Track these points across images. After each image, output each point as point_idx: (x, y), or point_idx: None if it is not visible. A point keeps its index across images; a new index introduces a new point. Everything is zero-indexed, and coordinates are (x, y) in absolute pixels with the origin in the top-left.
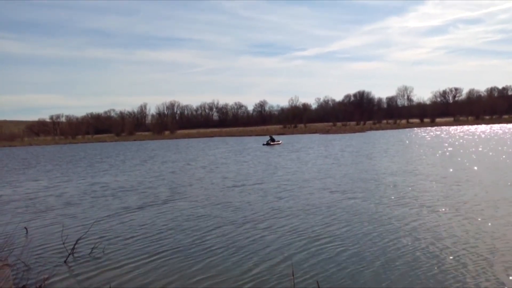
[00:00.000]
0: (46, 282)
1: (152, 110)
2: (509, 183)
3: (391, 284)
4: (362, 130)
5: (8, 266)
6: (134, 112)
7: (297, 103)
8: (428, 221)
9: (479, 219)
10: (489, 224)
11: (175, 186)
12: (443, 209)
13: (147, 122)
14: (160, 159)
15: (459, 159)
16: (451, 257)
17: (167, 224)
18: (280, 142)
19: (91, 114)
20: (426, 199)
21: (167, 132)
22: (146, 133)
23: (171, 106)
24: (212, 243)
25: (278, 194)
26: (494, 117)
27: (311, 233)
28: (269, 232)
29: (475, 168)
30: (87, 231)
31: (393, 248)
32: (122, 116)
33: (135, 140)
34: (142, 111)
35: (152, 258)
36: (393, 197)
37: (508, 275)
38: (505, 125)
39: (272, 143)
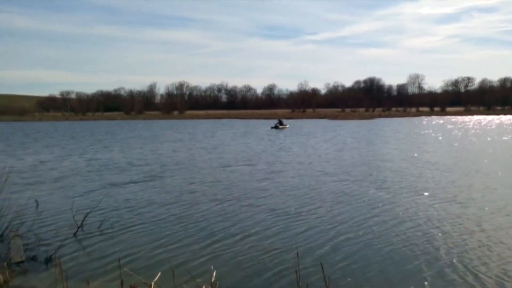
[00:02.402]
0: (56, 254)
1: (161, 90)
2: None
3: (399, 275)
4: (371, 117)
5: (19, 237)
6: (143, 91)
7: (306, 88)
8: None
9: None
10: (485, 214)
11: (181, 163)
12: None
13: (156, 101)
14: (171, 138)
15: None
16: (426, 239)
17: (173, 199)
18: (287, 126)
19: (101, 91)
20: (423, 186)
21: (176, 112)
22: (155, 112)
23: (180, 86)
24: (215, 221)
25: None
26: (506, 107)
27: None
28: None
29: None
30: (96, 206)
31: (395, 236)
32: (132, 95)
33: (144, 119)
34: (151, 91)
35: (159, 234)
36: (395, 184)
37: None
38: None
39: (280, 126)
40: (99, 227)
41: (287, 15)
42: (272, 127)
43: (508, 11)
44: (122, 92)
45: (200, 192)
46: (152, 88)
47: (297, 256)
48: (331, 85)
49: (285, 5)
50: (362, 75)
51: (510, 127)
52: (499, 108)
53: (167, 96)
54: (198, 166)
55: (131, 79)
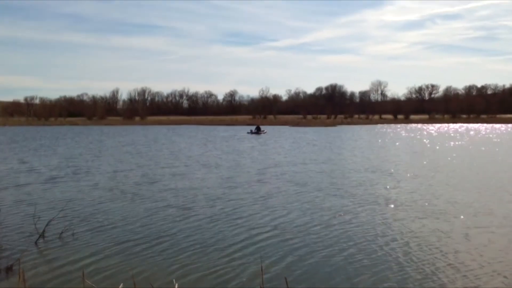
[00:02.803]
0: (15, 264)
1: (124, 95)
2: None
3: (360, 279)
4: (333, 124)
5: None
6: (106, 97)
7: (268, 94)
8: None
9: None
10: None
11: (148, 171)
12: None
13: (118, 107)
14: (139, 145)
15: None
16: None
17: (136, 207)
18: (265, 131)
19: (65, 97)
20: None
21: (137, 118)
22: (117, 118)
23: (142, 92)
24: (177, 231)
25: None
26: (471, 116)
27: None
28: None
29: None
30: (58, 213)
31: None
32: (94, 100)
33: (106, 124)
34: (114, 96)
35: (121, 243)
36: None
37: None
38: (483, 124)
39: (260, 132)
40: (60, 236)
41: (249, 22)
42: (249, 132)
43: (472, 19)
44: (85, 98)
45: (164, 200)
46: (114, 94)
47: (262, 270)
48: (292, 92)
49: (247, 13)
50: (324, 82)
51: (457, 135)
52: (464, 116)
53: (129, 102)
54: (164, 174)
55: (95, 85)
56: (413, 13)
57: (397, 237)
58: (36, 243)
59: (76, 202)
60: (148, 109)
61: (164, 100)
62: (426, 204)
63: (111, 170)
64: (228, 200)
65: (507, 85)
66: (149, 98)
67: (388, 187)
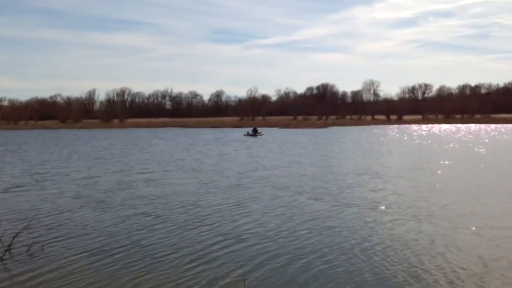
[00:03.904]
0: None
1: (101, 96)
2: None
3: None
4: (324, 126)
5: None
6: (81, 98)
7: (256, 94)
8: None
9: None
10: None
11: (122, 177)
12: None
13: (95, 109)
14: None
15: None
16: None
17: (109, 220)
18: (262, 133)
19: (36, 98)
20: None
21: (116, 121)
22: (94, 120)
23: (122, 92)
24: (148, 240)
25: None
26: (465, 116)
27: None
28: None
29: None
30: (25, 224)
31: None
32: (69, 102)
33: (81, 127)
34: (90, 97)
35: (91, 256)
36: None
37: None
38: (477, 125)
39: (257, 134)
40: (28, 250)
41: (237, 19)
42: (245, 134)
43: (465, 16)
44: (58, 99)
45: (136, 208)
46: (91, 95)
47: (244, 285)
48: (282, 92)
49: (235, 10)
50: (315, 81)
51: (463, 137)
52: (458, 116)
53: (107, 103)
54: (138, 180)
55: (70, 85)
56: (405, 10)
57: (379, 240)
58: (1, 258)
59: (44, 212)
60: (127, 111)
61: (145, 101)
62: (410, 206)
63: (81, 176)
64: (204, 207)
65: (501, 84)
66: (129, 99)
67: (373, 189)
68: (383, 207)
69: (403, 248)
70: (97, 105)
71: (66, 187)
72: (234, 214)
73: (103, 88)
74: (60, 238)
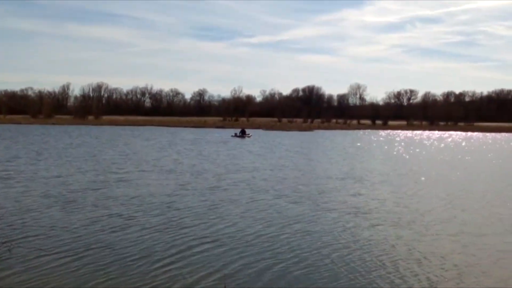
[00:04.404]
0: None
1: (76, 91)
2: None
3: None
4: (309, 129)
5: None
6: (54, 93)
7: (240, 94)
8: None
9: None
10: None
11: (94, 177)
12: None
13: (69, 104)
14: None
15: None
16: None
17: (79, 221)
18: (250, 135)
19: (5, 91)
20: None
21: (91, 117)
22: (67, 116)
23: (98, 88)
24: (117, 242)
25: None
26: (449, 123)
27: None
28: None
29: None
30: None
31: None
32: (41, 96)
33: (54, 124)
34: (64, 92)
35: (59, 259)
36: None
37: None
38: (459, 132)
39: (246, 136)
40: None
41: (222, 16)
42: (233, 135)
43: (452, 23)
44: (30, 93)
45: (107, 209)
46: (65, 89)
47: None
48: (267, 93)
49: (221, 6)
50: (301, 83)
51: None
52: (442, 123)
53: (82, 99)
54: (111, 180)
55: (43, 79)
56: (393, 14)
57: (358, 246)
58: None
59: (10, 212)
60: (104, 107)
61: (124, 97)
62: (390, 212)
63: (50, 175)
64: (180, 209)
65: (485, 93)
66: (105, 95)
67: (354, 194)
68: (363, 212)
69: (380, 254)
70: (71, 100)
71: (33, 186)
72: (211, 217)
73: (78, 82)
74: (27, 239)
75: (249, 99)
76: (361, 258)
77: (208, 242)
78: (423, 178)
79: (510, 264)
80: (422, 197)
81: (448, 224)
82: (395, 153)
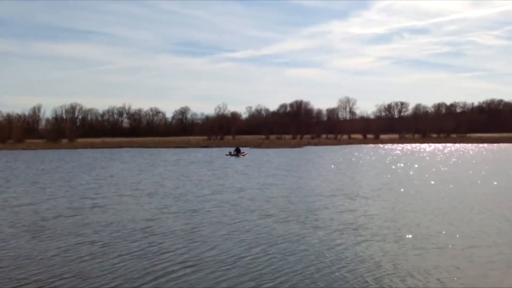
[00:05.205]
0: None
1: (47, 113)
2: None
3: None
4: (298, 145)
5: None
6: (24, 115)
7: (225, 112)
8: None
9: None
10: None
11: (65, 203)
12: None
13: (40, 127)
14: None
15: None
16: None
17: (48, 251)
18: (245, 153)
19: None
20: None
21: (65, 141)
22: (39, 140)
23: (71, 109)
24: (90, 271)
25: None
26: (441, 135)
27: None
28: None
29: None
30: None
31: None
32: (9, 120)
33: (24, 149)
34: (34, 114)
35: None
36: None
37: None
38: (453, 145)
39: (240, 154)
40: None
41: (203, 30)
42: (228, 154)
43: (439, 33)
44: None
45: (79, 236)
46: (36, 112)
47: None
48: (253, 109)
49: (201, 20)
50: (288, 98)
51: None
52: (434, 135)
53: (54, 121)
54: (84, 205)
55: (11, 101)
56: (380, 26)
57: (344, 264)
58: None
59: None
60: (78, 129)
61: (99, 118)
62: (378, 227)
63: (18, 203)
64: (159, 234)
65: (476, 103)
66: (79, 117)
67: (342, 211)
68: (351, 229)
69: (366, 271)
70: (43, 123)
71: (2, 215)
72: (192, 241)
73: (50, 104)
74: None
75: (235, 116)
76: (344, 277)
77: (187, 267)
78: (413, 192)
79: (498, 276)
80: (410, 211)
81: (437, 238)
82: (386, 167)
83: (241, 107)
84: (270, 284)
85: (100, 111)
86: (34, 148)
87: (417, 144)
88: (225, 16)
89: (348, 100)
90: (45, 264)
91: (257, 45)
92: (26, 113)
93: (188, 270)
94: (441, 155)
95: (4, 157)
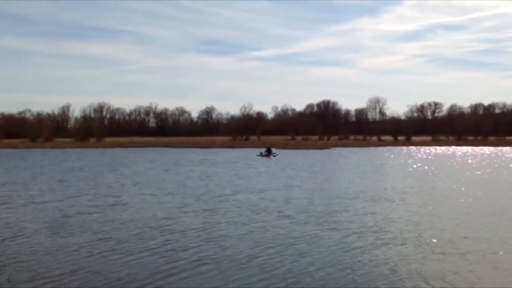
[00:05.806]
0: None
1: (76, 112)
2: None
3: None
4: (325, 147)
5: None
6: (54, 114)
7: (251, 112)
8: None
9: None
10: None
11: (86, 201)
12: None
13: (69, 126)
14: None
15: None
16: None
17: (67, 247)
18: (276, 154)
19: (3, 114)
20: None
21: (93, 140)
22: (68, 139)
23: (100, 108)
24: (107, 267)
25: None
26: (478, 138)
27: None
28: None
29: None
30: None
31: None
32: (40, 119)
33: (53, 147)
34: (64, 113)
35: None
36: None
37: None
38: (490, 147)
39: (271, 155)
40: None
41: (228, 29)
42: (259, 155)
43: (476, 30)
44: (28, 115)
45: (98, 233)
46: (65, 111)
47: None
48: (279, 109)
49: (226, 18)
50: (315, 98)
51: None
52: (471, 138)
53: (83, 120)
54: (105, 203)
55: (40, 100)
56: (412, 22)
57: (360, 265)
58: None
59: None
60: (106, 128)
61: (127, 118)
62: (398, 231)
63: (41, 200)
64: (173, 232)
65: None
66: (107, 116)
67: (363, 213)
68: (371, 232)
69: (379, 275)
70: (72, 122)
71: (21, 211)
72: (209, 240)
73: (78, 103)
74: (11, 266)
75: (260, 116)
76: (354, 280)
77: (201, 265)
78: (440, 197)
79: None
80: (435, 216)
81: (458, 244)
82: (415, 170)
83: (267, 107)
84: (281, 285)
85: (127, 111)
86: (62, 147)
87: (452, 147)
88: (250, 14)
89: (378, 100)
90: (64, 259)
91: (283, 43)
92: (56, 112)
93: (202, 268)
94: (477, 159)
95: (33, 156)
